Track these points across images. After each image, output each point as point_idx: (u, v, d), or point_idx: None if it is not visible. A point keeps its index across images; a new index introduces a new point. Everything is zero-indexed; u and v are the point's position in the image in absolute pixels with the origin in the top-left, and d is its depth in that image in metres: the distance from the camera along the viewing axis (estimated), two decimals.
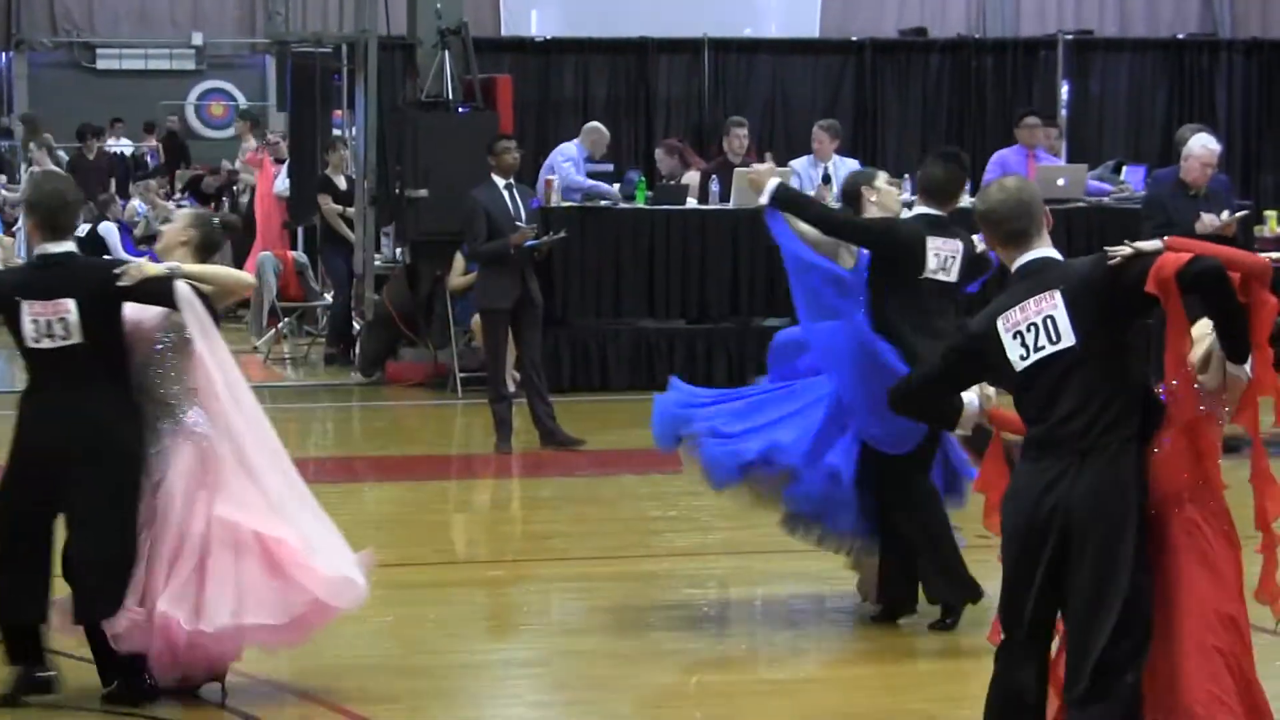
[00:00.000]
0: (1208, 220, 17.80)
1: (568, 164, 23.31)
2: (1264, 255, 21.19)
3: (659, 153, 25.74)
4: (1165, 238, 8.07)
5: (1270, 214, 25.78)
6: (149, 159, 32.08)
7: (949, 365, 8.68)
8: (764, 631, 12.92)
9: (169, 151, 34.96)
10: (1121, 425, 7.96)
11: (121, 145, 34.23)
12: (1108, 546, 8.02)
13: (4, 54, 37.87)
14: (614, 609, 13.18)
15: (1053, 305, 7.99)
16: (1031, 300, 8.03)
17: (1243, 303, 8.01)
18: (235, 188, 31.81)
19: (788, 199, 12.99)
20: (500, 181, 18.92)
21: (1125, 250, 7.91)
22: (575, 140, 24.12)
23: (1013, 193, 8.36)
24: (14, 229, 28.71)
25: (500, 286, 18.56)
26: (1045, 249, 8.30)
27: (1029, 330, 8.05)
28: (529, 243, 18.63)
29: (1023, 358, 8.08)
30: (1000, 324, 8.13)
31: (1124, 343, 8.11)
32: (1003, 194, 8.40)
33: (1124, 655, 8.12)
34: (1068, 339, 7.95)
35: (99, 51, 37.94)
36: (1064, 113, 29.17)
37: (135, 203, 31.10)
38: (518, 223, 18.65)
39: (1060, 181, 23.36)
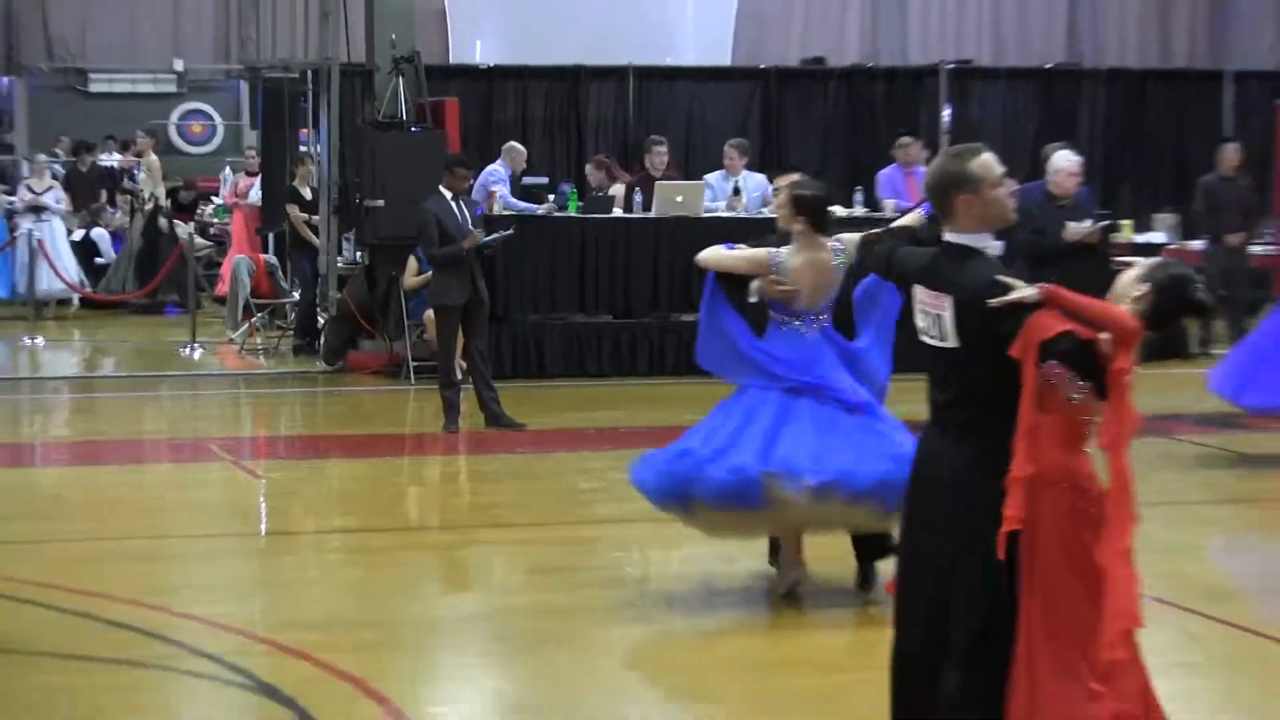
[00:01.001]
0: (1074, 229, 17.91)
1: (498, 185, 23.40)
2: (1119, 258, 21.51)
3: (589, 168, 25.89)
4: (1043, 286, 7.44)
5: (1126, 223, 26.03)
6: (135, 172, 31.85)
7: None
8: (681, 587, 12.94)
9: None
10: (999, 418, 7.38)
11: (112, 160, 34.02)
12: (963, 524, 7.55)
13: (5, 78, 37.70)
14: (550, 570, 13.23)
15: (943, 307, 7.54)
16: (932, 295, 7.61)
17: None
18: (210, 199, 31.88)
19: None
20: (448, 194, 19.02)
21: (1007, 298, 7.32)
22: (499, 160, 24.17)
23: (930, 173, 7.82)
24: (15, 235, 28.64)
25: (453, 286, 18.69)
26: (957, 234, 7.57)
27: (924, 316, 7.68)
28: (482, 241, 18.75)
29: (921, 332, 7.73)
30: (916, 289, 7.73)
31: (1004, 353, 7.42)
32: (929, 172, 7.89)
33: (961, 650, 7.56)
34: (952, 341, 7.52)
35: (91, 76, 37.79)
36: (946, 135, 29.23)
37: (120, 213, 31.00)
38: (466, 228, 18.75)
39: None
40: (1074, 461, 7.46)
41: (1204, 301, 7.35)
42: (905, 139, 25.36)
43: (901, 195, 24.40)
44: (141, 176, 30.98)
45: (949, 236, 7.50)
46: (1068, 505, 7.40)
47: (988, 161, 7.39)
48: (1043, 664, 7.31)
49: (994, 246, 7.50)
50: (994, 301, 7.27)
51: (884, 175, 25.10)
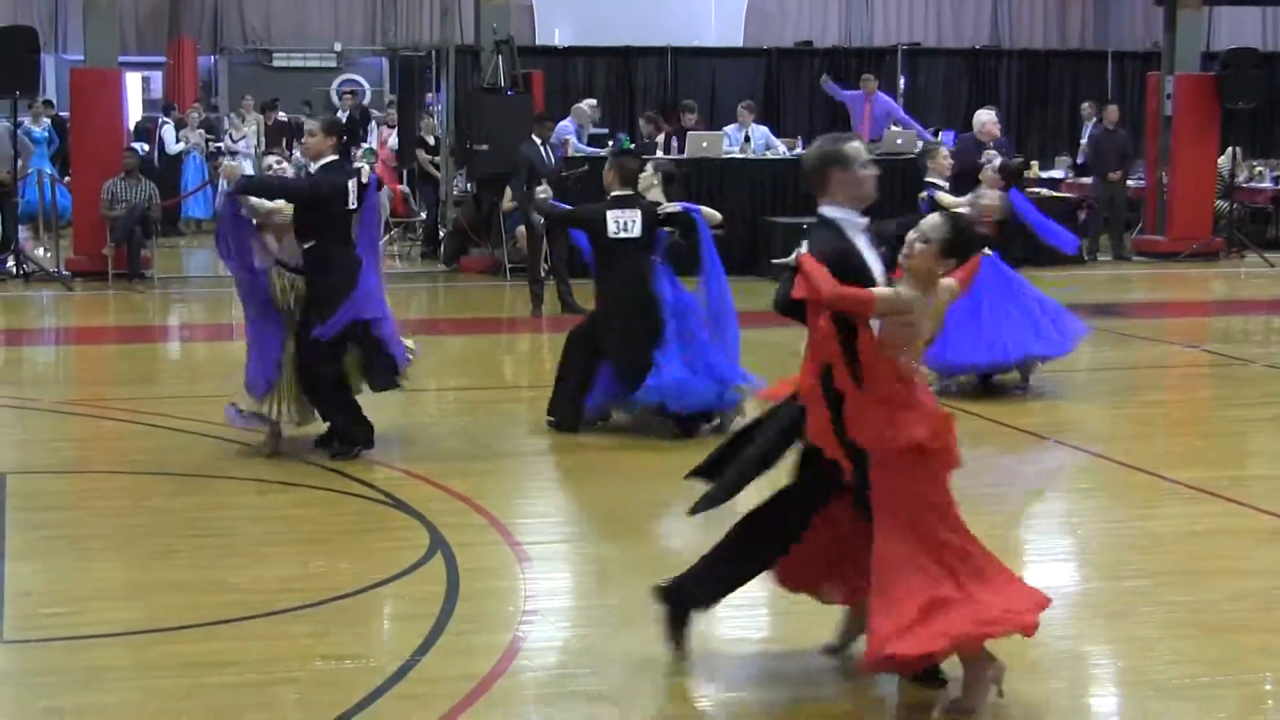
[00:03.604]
0: (989, 157, 18.04)
1: (569, 136, 23.29)
2: (1032, 190, 21.40)
3: (640, 122, 25.89)
4: (798, 254, 6.66)
5: (1034, 163, 26.13)
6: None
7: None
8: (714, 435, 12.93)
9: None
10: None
11: (292, 116, 33.92)
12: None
13: (212, 56, 37.61)
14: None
15: None
16: None
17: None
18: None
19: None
20: (538, 141, 19.17)
21: (784, 260, 6.85)
22: (569, 118, 24.07)
23: (809, 153, 7.15)
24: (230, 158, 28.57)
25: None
26: (828, 207, 6.94)
27: None
28: (565, 173, 18.99)
29: None
30: None
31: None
32: (808, 153, 7.18)
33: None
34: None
35: (274, 54, 37.67)
36: (902, 96, 29.15)
37: (299, 154, 30.85)
38: (549, 167, 19.17)
39: (899, 141, 23.32)
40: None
41: (980, 236, 7.08)
42: (867, 75, 25.76)
43: (858, 109, 24.96)
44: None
45: (821, 209, 6.99)
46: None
47: (858, 147, 7.00)
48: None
49: (857, 221, 6.95)
50: (775, 261, 7.04)
51: (850, 95, 25.51)
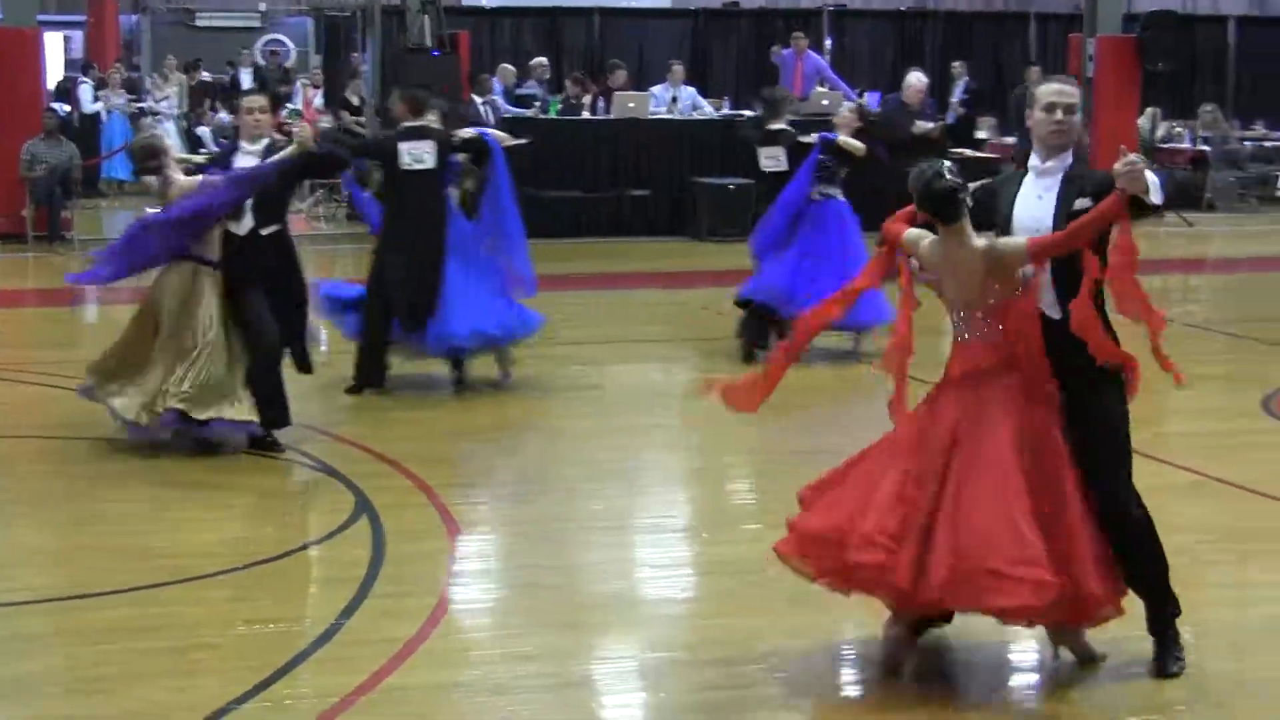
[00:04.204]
0: (922, 126, 18.21)
1: (497, 97, 23.22)
2: (955, 150, 21.42)
3: (567, 83, 25.76)
4: None
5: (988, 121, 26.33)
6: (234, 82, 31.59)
7: None
8: (624, 394, 12.90)
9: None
10: None
11: (216, 77, 33.60)
12: None
13: (134, 16, 37.28)
14: (530, 382, 13.12)
15: None
16: None
17: None
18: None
19: None
20: (478, 99, 19.13)
21: None
22: (495, 78, 23.94)
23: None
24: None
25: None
26: None
27: None
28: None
29: None
30: None
31: None
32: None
33: None
34: None
35: (197, 14, 37.34)
36: (828, 55, 29.12)
37: (222, 115, 30.55)
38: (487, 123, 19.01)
39: (824, 102, 23.31)
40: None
41: (947, 187, 6.54)
42: (798, 34, 25.78)
43: (789, 67, 24.98)
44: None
45: None
46: None
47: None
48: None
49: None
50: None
51: (782, 55, 25.46)
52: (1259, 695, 6.63)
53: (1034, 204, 6.57)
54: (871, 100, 24.79)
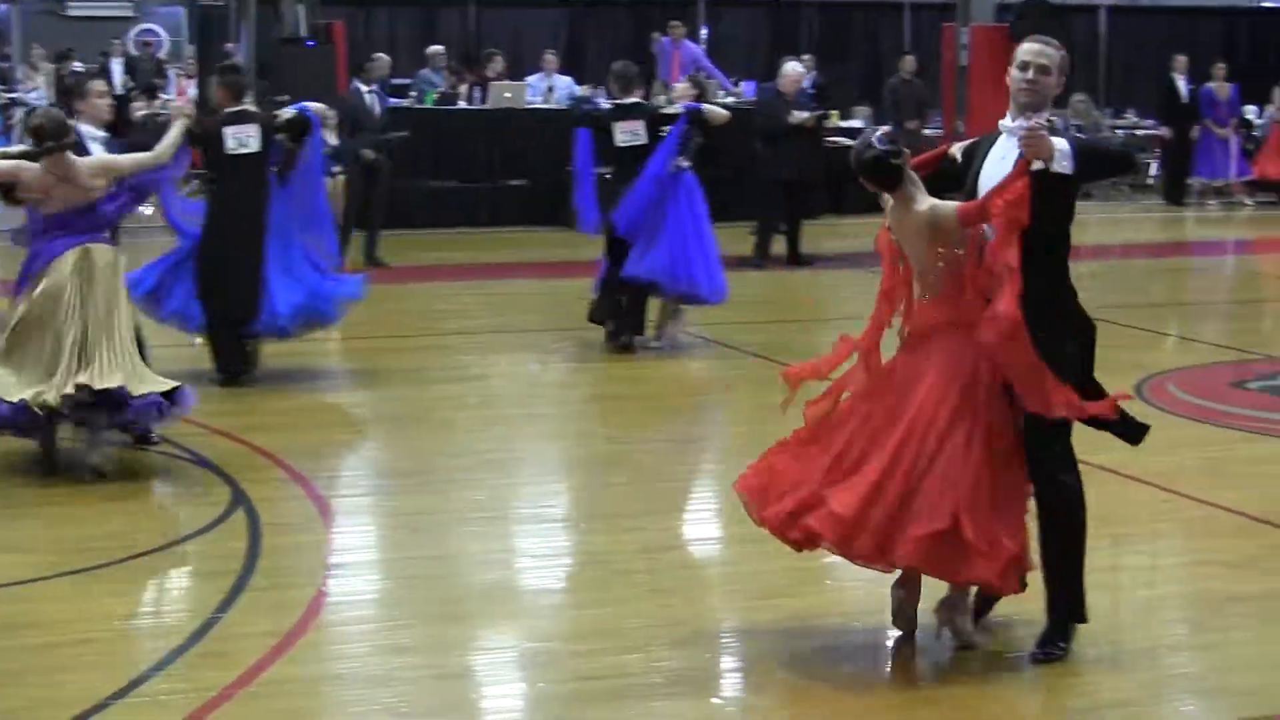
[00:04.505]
0: (797, 116, 18.40)
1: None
2: (829, 139, 21.57)
3: (444, 72, 25.67)
4: None
5: (834, 113, 26.22)
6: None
7: None
8: (511, 386, 12.90)
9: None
10: None
11: (87, 66, 33.18)
12: None
13: (4, 4, 36.78)
14: (408, 369, 13.08)
15: None
16: None
17: None
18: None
19: None
20: (364, 87, 18.94)
21: None
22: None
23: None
24: (10, 123, 27.90)
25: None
26: None
27: None
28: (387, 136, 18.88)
29: None
30: None
31: None
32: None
33: None
34: None
35: (68, 3, 36.88)
36: (704, 44, 29.21)
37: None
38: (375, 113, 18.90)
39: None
40: None
41: (875, 155, 6.51)
42: (675, 22, 25.62)
43: (666, 56, 24.86)
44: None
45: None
46: None
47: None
48: None
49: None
50: None
51: (661, 43, 25.34)
52: (1135, 669, 6.72)
53: (999, 164, 6.54)
54: (747, 90, 24.92)
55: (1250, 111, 28.52)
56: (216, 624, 7.11)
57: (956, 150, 6.87)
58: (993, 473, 6.47)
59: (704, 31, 30.42)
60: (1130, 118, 29.57)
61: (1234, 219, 23.69)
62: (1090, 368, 6.65)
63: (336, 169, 20.90)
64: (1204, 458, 9.97)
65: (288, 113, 12.52)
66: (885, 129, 6.72)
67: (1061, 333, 6.50)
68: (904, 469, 6.47)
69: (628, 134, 13.57)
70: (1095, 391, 6.59)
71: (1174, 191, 26.39)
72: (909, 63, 26.06)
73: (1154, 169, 27.17)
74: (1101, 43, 33.24)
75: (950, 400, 6.50)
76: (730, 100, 24.01)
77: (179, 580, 8.10)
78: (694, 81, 14.70)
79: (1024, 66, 6.62)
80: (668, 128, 13.56)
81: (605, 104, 14.03)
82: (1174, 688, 6.60)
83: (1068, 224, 6.57)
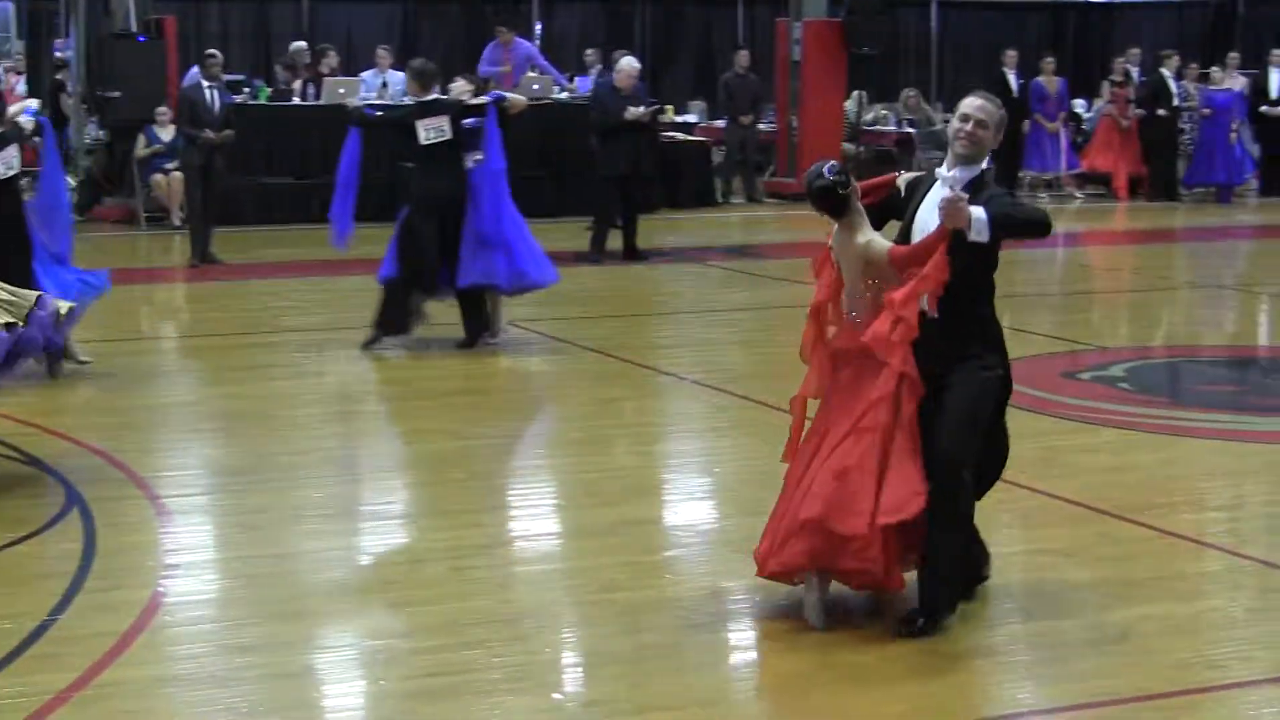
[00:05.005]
0: (632, 112, 18.52)
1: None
2: (665, 134, 21.66)
3: (278, 68, 25.54)
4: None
5: (669, 108, 26.44)
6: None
7: None
8: (355, 382, 12.86)
9: None
10: None
11: None
12: None
13: None
14: (246, 366, 13.00)
15: None
16: None
17: None
18: None
19: None
20: (205, 82, 18.73)
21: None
22: (196, 67, 23.68)
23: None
24: None
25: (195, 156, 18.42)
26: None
27: None
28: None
29: None
30: None
31: None
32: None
33: None
34: None
35: None
36: (538, 40, 29.20)
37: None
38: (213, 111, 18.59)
39: (535, 86, 23.38)
40: None
41: (823, 185, 6.95)
42: (500, 27, 25.41)
43: (497, 62, 24.70)
44: None
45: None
46: None
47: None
48: None
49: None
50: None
51: (488, 48, 25.25)
52: (974, 657, 6.84)
53: (932, 209, 6.91)
54: (582, 85, 24.94)
55: (1079, 105, 29.04)
56: (52, 626, 7.04)
57: (902, 182, 7.25)
58: (877, 477, 6.87)
59: (538, 27, 30.39)
60: None
61: (1064, 211, 24.04)
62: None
63: (170, 165, 20.75)
64: (1039, 448, 10.12)
65: (26, 120, 12.47)
66: (834, 162, 7.10)
67: (991, 364, 7.01)
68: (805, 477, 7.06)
69: (433, 130, 13.50)
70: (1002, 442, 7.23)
71: (1005, 185, 26.71)
72: (743, 58, 26.23)
73: (985, 162, 27.47)
74: (933, 37, 33.66)
75: (857, 415, 6.96)
76: (565, 96, 24.10)
77: (12, 583, 7.97)
78: (470, 79, 14.74)
79: (965, 119, 7.00)
80: (473, 120, 13.58)
81: (409, 101, 13.92)
82: (1013, 675, 6.73)
83: (991, 271, 7.01)
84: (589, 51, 27.16)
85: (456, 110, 13.63)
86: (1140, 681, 6.51)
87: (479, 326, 13.66)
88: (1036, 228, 7.04)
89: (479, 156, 13.54)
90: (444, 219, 13.37)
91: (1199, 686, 6.52)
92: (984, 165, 7.01)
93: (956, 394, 6.90)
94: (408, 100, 14.51)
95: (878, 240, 6.98)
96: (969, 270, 6.81)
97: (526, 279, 13.70)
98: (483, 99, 13.89)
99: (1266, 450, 10.59)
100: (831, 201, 6.98)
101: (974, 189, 6.90)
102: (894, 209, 7.21)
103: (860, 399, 6.95)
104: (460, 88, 14.04)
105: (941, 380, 6.89)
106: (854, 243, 6.99)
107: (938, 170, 7.07)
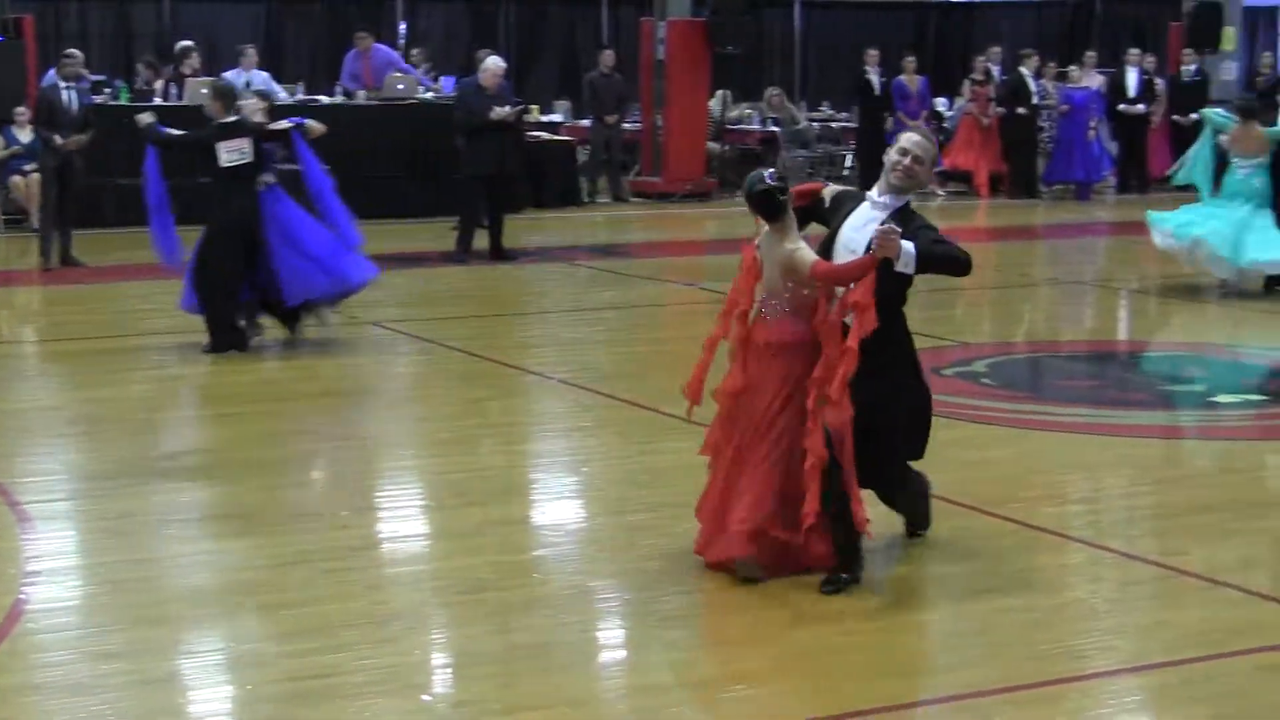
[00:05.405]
0: (498, 112, 18.53)
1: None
2: (531, 133, 21.63)
3: (139, 67, 25.25)
4: None
5: (534, 107, 26.45)
6: None
7: None
8: (223, 379, 12.77)
9: None
10: None
11: None
12: None
13: None
14: (114, 369, 12.87)
15: None
16: None
17: None
18: None
19: None
20: (61, 82, 18.51)
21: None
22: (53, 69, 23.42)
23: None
24: None
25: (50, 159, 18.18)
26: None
27: None
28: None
29: None
30: None
31: None
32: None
33: None
34: None
35: None
36: (402, 41, 29.11)
37: None
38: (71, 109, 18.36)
39: (400, 86, 23.30)
40: None
41: (765, 189, 7.48)
42: (363, 33, 25.17)
43: (358, 73, 24.54)
44: None
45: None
46: None
47: None
48: None
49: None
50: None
51: (347, 58, 24.98)
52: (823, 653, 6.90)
53: (858, 228, 7.45)
54: (446, 85, 24.88)
55: (941, 104, 29.32)
56: None
57: (828, 193, 7.85)
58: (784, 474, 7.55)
59: (402, 27, 30.27)
60: (825, 110, 30.16)
61: (926, 209, 24.08)
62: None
63: (29, 167, 20.48)
64: None
65: None
66: (773, 169, 7.73)
67: (904, 372, 7.70)
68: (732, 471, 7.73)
69: (234, 153, 13.39)
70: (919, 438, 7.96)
71: (868, 183, 26.92)
72: (608, 57, 26.27)
73: (849, 161, 27.74)
74: (797, 37, 33.88)
75: (775, 411, 7.56)
76: (430, 96, 24.02)
77: None
78: (261, 96, 14.78)
79: (903, 153, 7.56)
80: (272, 143, 13.69)
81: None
82: (874, 669, 6.80)
83: (905, 289, 7.56)
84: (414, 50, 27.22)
85: (258, 134, 13.54)
86: (1002, 673, 6.60)
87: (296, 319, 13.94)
88: (958, 265, 7.49)
89: (269, 179, 13.59)
90: (246, 240, 13.38)
91: (1061, 677, 6.62)
92: (909, 196, 7.56)
93: (878, 421, 7.40)
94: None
95: (804, 250, 7.46)
96: (889, 297, 7.32)
97: (349, 283, 13.85)
98: (284, 124, 13.83)
99: (1125, 444, 10.77)
100: (770, 205, 7.50)
101: (901, 218, 7.41)
102: (818, 215, 7.79)
103: (763, 394, 7.55)
104: (252, 106, 13.98)
105: (857, 397, 7.24)
106: (782, 246, 7.49)
107: (868, 193, 7.60)
